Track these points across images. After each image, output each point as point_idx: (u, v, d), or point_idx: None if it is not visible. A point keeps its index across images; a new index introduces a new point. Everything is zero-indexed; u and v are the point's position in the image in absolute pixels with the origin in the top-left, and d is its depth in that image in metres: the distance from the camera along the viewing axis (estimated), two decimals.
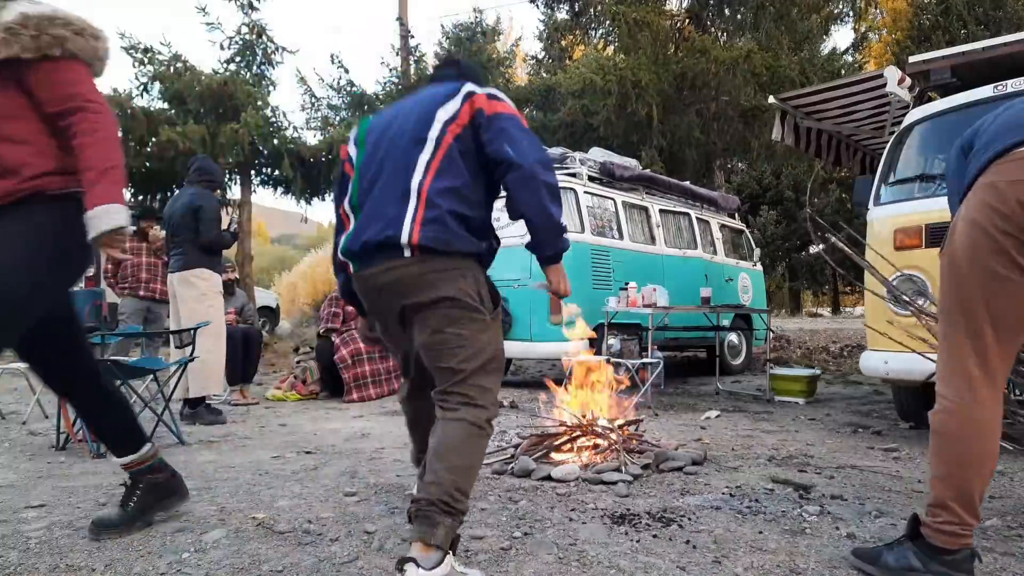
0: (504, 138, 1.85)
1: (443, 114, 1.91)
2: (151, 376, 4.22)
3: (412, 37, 13.72)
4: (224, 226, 4.76)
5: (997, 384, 1.72)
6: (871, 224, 4.02)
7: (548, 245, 1.94)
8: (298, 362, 6.04)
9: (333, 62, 13.07)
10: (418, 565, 1.60)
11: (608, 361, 4.84)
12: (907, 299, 3.17)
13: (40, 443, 3.69)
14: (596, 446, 3.12)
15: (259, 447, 3.59)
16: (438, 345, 1.85)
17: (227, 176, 11.50)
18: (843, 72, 11.20)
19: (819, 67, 10.73)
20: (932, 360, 2.81)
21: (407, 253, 1.82)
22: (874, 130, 5.98)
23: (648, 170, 7.70)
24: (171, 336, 4.39)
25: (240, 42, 11.02)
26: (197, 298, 4.37)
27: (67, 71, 1.89)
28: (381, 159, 1.96)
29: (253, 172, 11.42)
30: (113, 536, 2.06)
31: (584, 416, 3.23)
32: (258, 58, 11.21)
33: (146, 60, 10.30)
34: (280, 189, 11.78)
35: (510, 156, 1.83)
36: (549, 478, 2.78)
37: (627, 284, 5.52)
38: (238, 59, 11.08)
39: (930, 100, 4.19)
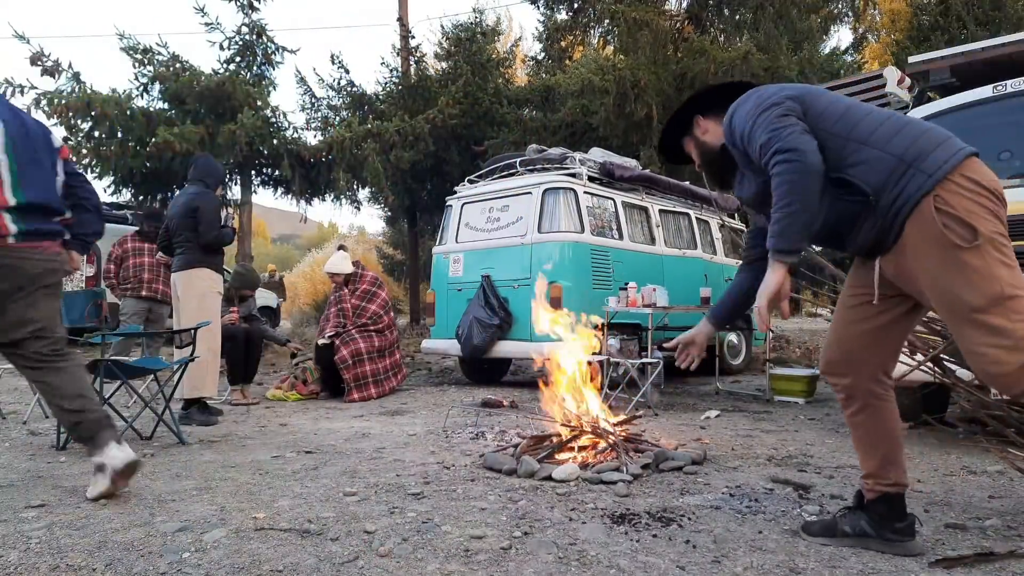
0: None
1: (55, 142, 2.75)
2: (151, 376, 4.22)
3: (412, 38, 13.74)
4: (221, 222, 4.80)
5: None
6: None
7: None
8: (296, 364, 6.02)
9: (333, 62, 13.10)
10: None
11: (606, 361, 4.85)
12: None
13: (40, 443, 3.69)
14: (596, 445, 3.12)
15: (259, 447, 3.59)
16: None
17: (227, 176, 11.51)
18: (843, 72, 11.21)
19: (819, 67, 10.73)
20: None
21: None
22: None
23: (648, 170, 7.70)
24: (175, 336, 4.40)
25: (240, 42, 11.02)
26: (196, 298, 4.39)
27: None
28: (28, 155, 2.60)
29: (253, 172, 11.43)
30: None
31: (582, 417, 3.24)
32: (258, 58, 11.22)
33: (146, 61, 10.31)
34: (280, 189, 11.80)
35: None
36: (549, 478, 2.78)
37: (627, 284, 5.52)
38: (238, 59, 11.09)
39: (929, 100, 4.19)
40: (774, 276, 1.86)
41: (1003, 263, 1.73)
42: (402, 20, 13.85)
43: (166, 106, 10.50)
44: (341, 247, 6.27)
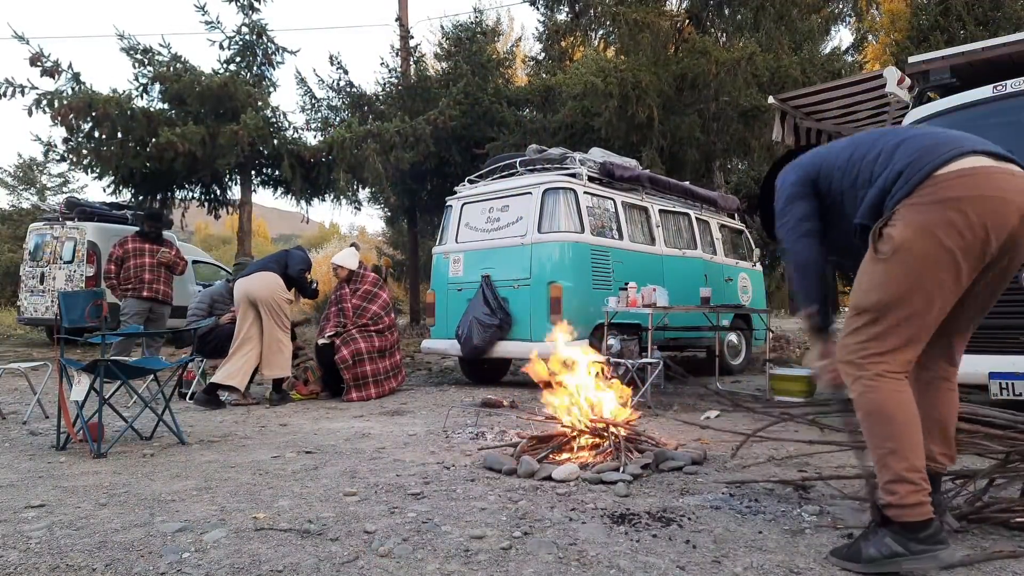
0: None
1: None
2: (151, 376, 4.22)
3: (412, 38, 13.75)
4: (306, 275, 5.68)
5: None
6: None
7: None
8: (297, 364, 6.02)
9: (332, 63, 13.10)
10: None
11: (608, 361, 4.84)
12: None
13: (40, 443, 3.69)
14: (596, 446, 3.12)
15: (259, 447, 3.59)
16: None
17: (227, 176, 11.53)
18: (843, 72, 11.17)
19: (819, 67, 10.70)
20: None
21: None
22: None
23: (648, 170, 7.70)
24: (174, 336, 4.40)
25: (240, 42, 11.03)
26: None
27: None
28: None
29: (253, 172, 11.43)
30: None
31: (582, 416, 3.24)
32: (258, 59, 11.23)
33: (146, 61, 10.32)
34: (280, 189, 11.80)
35: None
36: (549, 478, 2.78)
37: (627, 284, 5.52)
38: (238, 60, 11.10)
39: (929, 100, 4.20)
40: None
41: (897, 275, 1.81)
42: (401, 20, 13.86)
43: (166, 106, 10.51)
44: (353, 244, 6.31)
